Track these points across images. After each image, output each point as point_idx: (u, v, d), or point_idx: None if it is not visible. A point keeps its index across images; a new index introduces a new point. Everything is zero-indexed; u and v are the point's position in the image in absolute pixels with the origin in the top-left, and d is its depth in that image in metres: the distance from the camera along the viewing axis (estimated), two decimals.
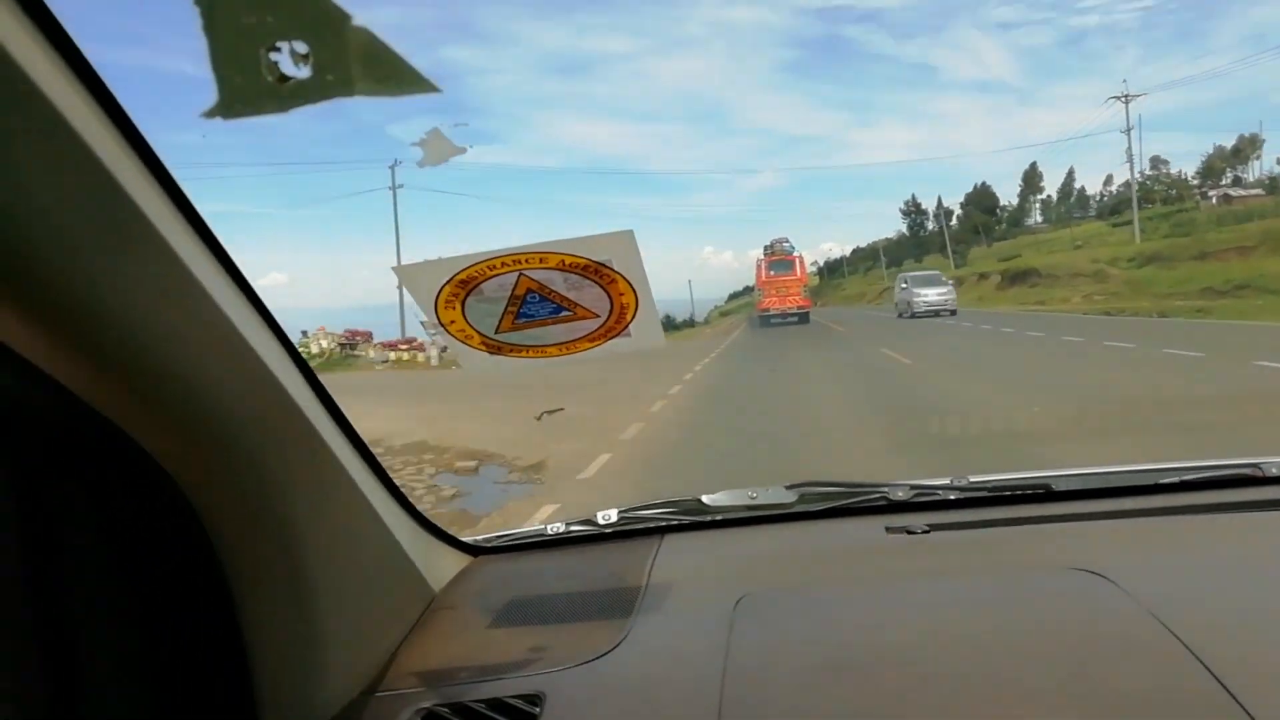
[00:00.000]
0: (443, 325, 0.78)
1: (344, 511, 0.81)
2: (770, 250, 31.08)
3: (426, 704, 0.79)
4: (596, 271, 0.76)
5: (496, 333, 0.80)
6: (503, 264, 0.74)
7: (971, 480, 1.30)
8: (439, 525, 1.10)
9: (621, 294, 0.79)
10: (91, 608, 0.66)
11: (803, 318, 27.86)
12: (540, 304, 0.78)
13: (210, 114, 0.55)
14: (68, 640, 0.64)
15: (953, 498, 1.26)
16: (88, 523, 0.64)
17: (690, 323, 47.45)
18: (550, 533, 1.23)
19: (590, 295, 0.78)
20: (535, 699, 0.79)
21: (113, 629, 0.67)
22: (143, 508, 0.66)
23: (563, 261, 0.75)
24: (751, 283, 38.64)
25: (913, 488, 1.28)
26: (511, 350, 0.82)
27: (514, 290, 0.76)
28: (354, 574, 0.83)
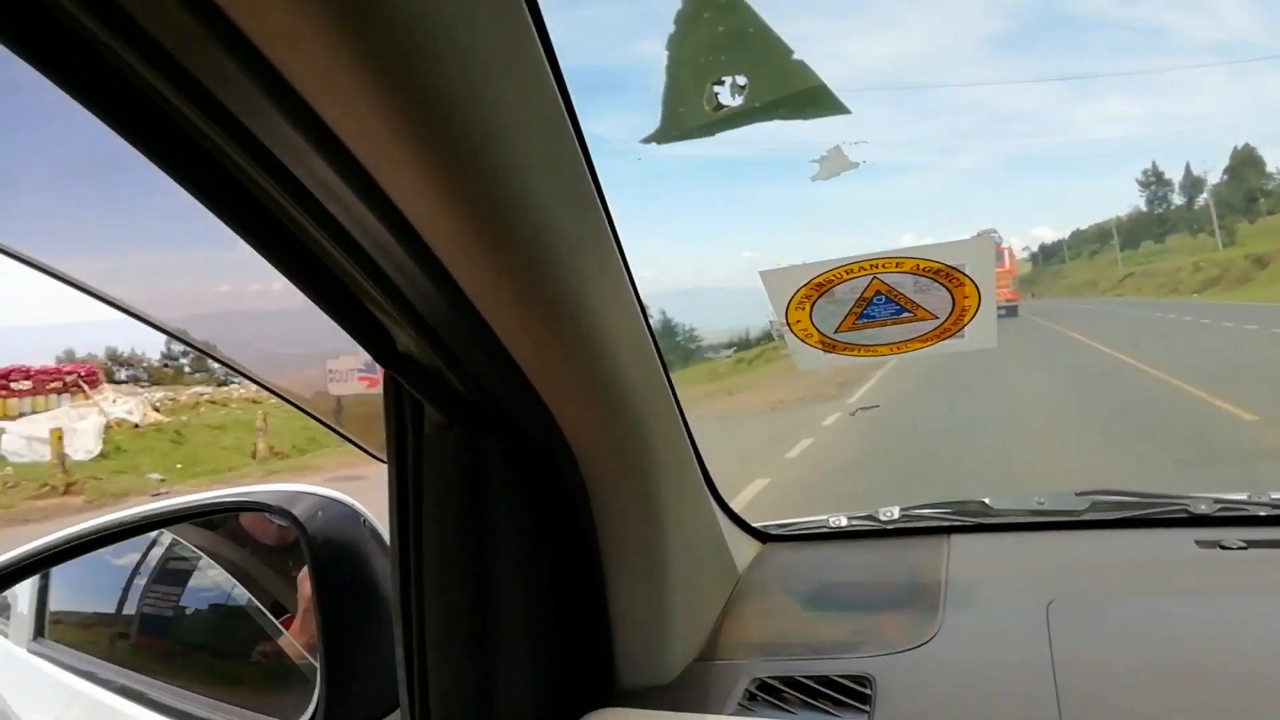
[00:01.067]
0: (788, 324, 0.83)
1: (688, 495, 0.89)
2: None
3: (761, 675, 0.86)
4: (948, 275, 0.77)
5: (836, 332, 0.84)
6: (860, 268, 0.77)
7: (1276, 497, 1.20)
8: (736, 512, 1.17)
9: (966, 297, 0.79)
10: (507, 565, 0.78)
11: (1011, 311, 26.42)
12: (885, 305, 0.80)
13: (648, 140, 0.63)
14: (490, 591, 0.77)
15: (1263, 514, 1.17)
16: (513, 486, 0.76)
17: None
18: (833, 525, 1.26)
19: (935, 298, 0.79)
20: (865, 680, 0.82)
21: (518, 586, 0.79)
22: (548, 479, 0.78)
23: (917, 265, 0.76)
24: None
25: (1216, 501, 1.20)
26: (845, 349, 0.86)
27: (863, 293, 0.79)
28: (691, 551, 0.91)
